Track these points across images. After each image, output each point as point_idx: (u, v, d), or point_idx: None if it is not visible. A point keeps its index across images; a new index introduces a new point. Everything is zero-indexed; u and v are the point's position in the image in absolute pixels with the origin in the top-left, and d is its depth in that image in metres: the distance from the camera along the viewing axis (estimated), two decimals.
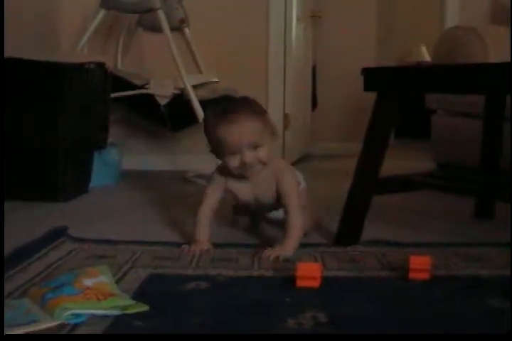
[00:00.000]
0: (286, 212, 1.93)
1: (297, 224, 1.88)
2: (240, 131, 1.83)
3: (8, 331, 1.22)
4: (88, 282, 1.40)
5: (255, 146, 1.85)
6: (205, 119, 1.99)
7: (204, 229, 1.96)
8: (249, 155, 1.85)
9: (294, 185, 1.97)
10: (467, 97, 3.09)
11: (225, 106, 1.90)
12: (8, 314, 1.30)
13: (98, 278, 1.43)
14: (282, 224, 1.98)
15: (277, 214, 2.10)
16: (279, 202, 1.98)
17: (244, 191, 2.00)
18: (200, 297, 1.47)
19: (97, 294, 1.36)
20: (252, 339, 1.20)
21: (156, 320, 1.30)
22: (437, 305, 1.41)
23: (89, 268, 1.54)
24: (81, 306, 1.30)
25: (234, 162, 1.87)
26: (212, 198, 1.99)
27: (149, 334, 1.22)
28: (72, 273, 1.46)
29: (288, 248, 1.83)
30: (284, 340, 1.21)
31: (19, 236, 2.01)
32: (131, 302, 1.37)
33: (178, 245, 1.94)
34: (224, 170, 1.96)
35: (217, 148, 1.90)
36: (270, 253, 1.79)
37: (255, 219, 2.29)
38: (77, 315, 1.28)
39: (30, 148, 2.80)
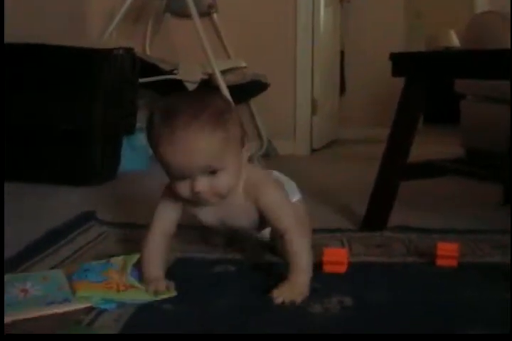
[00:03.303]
0: (281, 239, 1.44)
1: (303, 253, 1.40)
2: (188, 152, 1.31)
3: (44, 309, 1.25)
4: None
5: (212, 171, 1.36)
6: (146, 124, 1.39)
7: (155, 264, 1.44)
8: (202, 184, 1.35)
9: (282, 199, 1.49)
10: (496, 83, 3.06)
11: (168, 111, 1.34)
12: (42, 287, 1.34)
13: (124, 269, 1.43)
14: (272, 247, 1.66)
15: (264, 234, 1.67)
16: (262, 226, 1.57)
17: (206, 214, 1.52)
18: (228, 280, 1.48)
19: (119, 284, 1.36)
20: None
21: (185, 303, 1.32)
22: (462, 293, 1.40)
23: (119, 258, 1.47)
24: (97, 294, 1.31)
25: (183, 189, 1.38)
26: (165, 220, 1.49)
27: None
28: (107, 264, 1.44)
29: (298, 289, 1.34)
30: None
31: (49, 219, 2.04)
32: (151, 297, 1.34)
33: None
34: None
35: (163, 166, 1.39)
36: (281, 299, 1.31)
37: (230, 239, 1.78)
38: (107, 301, 1.30)
39: (62, 134, 2.83)
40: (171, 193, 1.46)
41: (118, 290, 1.34)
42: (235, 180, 1.41)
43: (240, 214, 1.50)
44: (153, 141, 1.35)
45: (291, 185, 1.70)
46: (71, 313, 1.26)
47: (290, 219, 1.43)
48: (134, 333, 1.18)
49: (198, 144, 1.31)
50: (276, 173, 1.71)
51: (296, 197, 1.69)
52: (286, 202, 1.49)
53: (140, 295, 1.35)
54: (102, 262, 1.46)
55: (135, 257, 1.45)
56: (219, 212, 1.50)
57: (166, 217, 1.49)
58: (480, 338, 1.16)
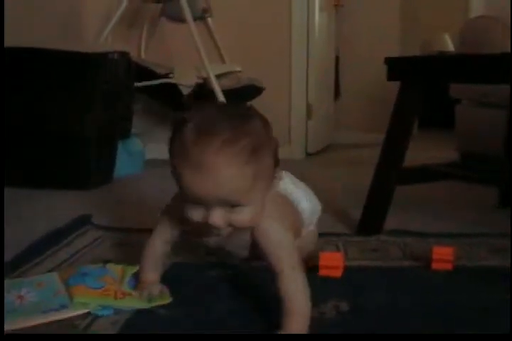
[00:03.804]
0: (275, 276, 1.24)
1: (298, 308, 1.21)
2: (211, 181, 1.14)
3: (40, 317, 1.25)
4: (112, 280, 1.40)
5: (233, 205, 1.20)
6: (173, 133, 1.22)
7: (152, 267, 1.42)
8: (217, 216, 1.19)
9: (283, 238, 1.29)
10: (491, 87, 3.07)
11: (203, 128, 1.16)
12: (37, 294, 1.33)
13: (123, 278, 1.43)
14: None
15: None
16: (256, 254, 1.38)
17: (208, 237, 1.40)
18: (223, 285, 1.48)
19: (117, 292, 1.36)
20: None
21: (182, 307, 1.32)
22: (458, 297, 1.40)
23: (119, 267, 1.47)
24: (94, 301, 1.31)
25: (195, 215, 1.22)
26: (167, 230, 1.41)
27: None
28: (104, 270, 1.44)
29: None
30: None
31: (45, 223, 2.03)
32: (148, 304, 1.34)
33: None
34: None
35: (179, 186, 1.21)
36: None
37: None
38: (105, 307, 1.30)
39: (58, 138, 2.83)
40: (172, 212, 1.38)
41: (115, 298, 1.34)
42: (256, 217, 1.24)
43: (238, 242, 1.37)
44: (178, 158, 1.18)
45: (304, 196, 1.58)
46: (67, 318, 1.26)
47: (287, 262, 1.25)
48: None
49: (223, 175, 1.14)
50: (289, 185, 1.57)
51: (315, 215, 1.60)
52: (286, 242, 1.29)
53: (136, 303, 1.34)
54: (99, 266, 1.46)
55: (135, 268, 1.43)
56: (219, 238, 1.35)
57: (167, 228, 1.40)
58: (480, 338, 1.16)
